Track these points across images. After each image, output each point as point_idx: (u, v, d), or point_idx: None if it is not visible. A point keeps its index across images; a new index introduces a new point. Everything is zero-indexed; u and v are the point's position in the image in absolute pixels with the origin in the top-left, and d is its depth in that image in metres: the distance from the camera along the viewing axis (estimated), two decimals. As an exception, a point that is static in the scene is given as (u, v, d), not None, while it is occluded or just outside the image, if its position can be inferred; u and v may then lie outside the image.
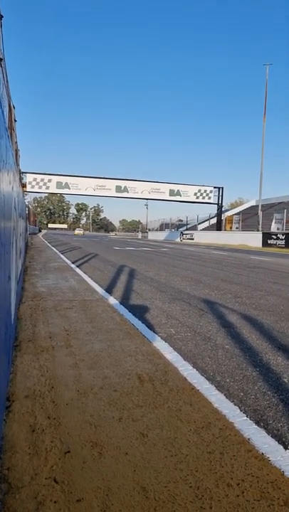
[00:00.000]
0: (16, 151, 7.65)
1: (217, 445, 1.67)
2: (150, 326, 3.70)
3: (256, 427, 1.87)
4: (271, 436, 1.79)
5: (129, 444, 1.66)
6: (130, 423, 1.83)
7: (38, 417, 1.85)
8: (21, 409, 1.92)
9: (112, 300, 4.98)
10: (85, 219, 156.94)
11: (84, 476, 1.44)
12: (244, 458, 1.58)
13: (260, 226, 31.19)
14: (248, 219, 39.75)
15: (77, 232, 74.12)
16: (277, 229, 28.79)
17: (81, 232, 76.04)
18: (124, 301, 4.98)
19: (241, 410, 2.04)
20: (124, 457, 1.56)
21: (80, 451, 1.60)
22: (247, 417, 1.97)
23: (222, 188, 41.42)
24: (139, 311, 4.35)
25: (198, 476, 1.46)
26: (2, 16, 2.75)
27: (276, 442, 1.73)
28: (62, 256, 12.33)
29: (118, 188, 39.14)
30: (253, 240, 28.59)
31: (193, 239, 40.00)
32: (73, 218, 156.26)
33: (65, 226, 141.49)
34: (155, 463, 1.53)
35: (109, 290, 5.80)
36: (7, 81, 4.48)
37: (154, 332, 3.50)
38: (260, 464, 1.55)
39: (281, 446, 1.70)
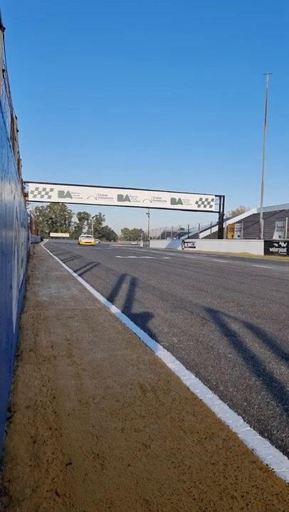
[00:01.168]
0: (18, 160, 7.70)
1: (221, 456, 1.65)
2: (152, 335, 3.68)
3: (260, 437, 1.84)
4: (275, 446, 1.76)
5: (131, 455, 1.64)
6: (133, 434, 1.81)
7: (39, 428, 1.83)
8: (22, 420, 1.90)
9: (114, 309, 4.97)
10: (86, 228, 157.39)
11: (86, 489, 1.42)
12: (248, 469, 1.56)
13: (262, 234, 31.19)
14: (250, 227, 39.79)
15: (85, 241, 43.74)
16: (279, 237, 28.78)
17: (91, 240, 44.96)
18: (126, 309, 4.97)
19: (245, 420, 2.01)
20: (126, 469, 1.54)
21: (81, 462, 1.57)
22: (251, 427, 1.94)
23: (223, 196, 41.61)
24: (141, 320, 4.34)
25: (202, 488, 1.43)
26: (4, 28, 2.78)
27: (280, 453, 1.71)
28: (64, 265, 12.33)
29: (120, 197, 39.34)
30: (255, 247, 28.57)
31: (194, 247, 40.01)
32: (75, 227, 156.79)
33: (67, 235, 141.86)
34: (158, 475, 1.51)
35: (111, 299, 5.79)
36: (9, 91, 4.53)
37: (156, 341, 3.48)
38: (265, 475, 1.53)
39: (285, 457, 1.67)
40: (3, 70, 3.51)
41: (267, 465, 1.59)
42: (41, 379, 2.44)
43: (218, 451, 1.68)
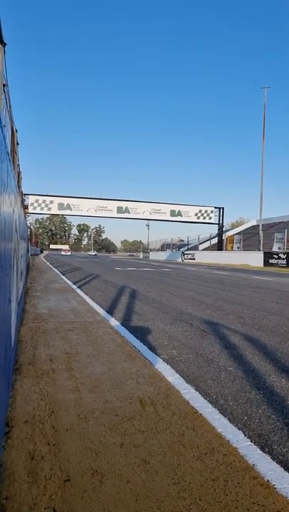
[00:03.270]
0: (19, 173, 7.75)
1: (221, 472, 1.62)
2: (152, 348, 3.66)
3: (261, 452, 1.82)
4: (276, 462, 1.74)
5: (130, 471, 1.62)
6: (132, 449, 1.79)
7: (37, 444, 1.81)
8: (20, 435, 1.88)
9: (114, 321, 4.95)
10: (86, 240, 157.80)
11: (84, 506, 1.39)
12: (249, 485, 1.54)
13: (261, 246, 31.25)
14: (249, 239, 39.85)
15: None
16: (279, 248, 28.83)
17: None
18: (126, 322, 4.95)
19: (245, 435, 1.99)
20: (125, 485, 1.52)
21: (80, 479, 1.55)
22: (251, 442, 1.92)
23: (223, 208, 41.87)
24: (141, 333, 4.31)
25: (202, 506, 1.41)
26: (6, 44, 2.83)
27: (282, 469, 1.68)
28: (63, 277, 12.32)
29: (119, 209, 39.55)
30: (255, 259, 28.58)
31: (194, 259, 40.03)
32: (75, 239, 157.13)
33: (66, 247, 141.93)
34: (157, 491, 1.49)
35: (110, 311, 5.77)
36: (10, 105, 4.58)
37: (155, 354, 3.46)
38: (266, 491, 1.50)
39: (287, 473, 1.65)
40: (4, 85, 3.56)
41: (268, 481, 1.57)
42: (40, 393, 2.42)
43: (218, 467, 1.66)
